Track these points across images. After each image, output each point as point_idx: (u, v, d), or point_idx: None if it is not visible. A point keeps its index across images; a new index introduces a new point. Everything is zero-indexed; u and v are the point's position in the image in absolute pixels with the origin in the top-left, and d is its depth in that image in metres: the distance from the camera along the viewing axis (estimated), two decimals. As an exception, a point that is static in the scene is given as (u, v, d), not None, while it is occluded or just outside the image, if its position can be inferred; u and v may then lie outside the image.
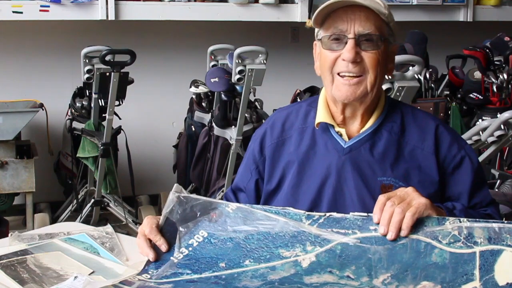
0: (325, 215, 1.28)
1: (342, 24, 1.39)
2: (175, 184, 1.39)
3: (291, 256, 1.25)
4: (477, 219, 1.20)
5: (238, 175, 1.63)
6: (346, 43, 1.39)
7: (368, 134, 1.46)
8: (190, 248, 1.31)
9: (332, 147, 1.47)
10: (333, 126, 1.48)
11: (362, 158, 1.44)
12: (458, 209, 1.39)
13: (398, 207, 1.22)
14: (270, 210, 1.31)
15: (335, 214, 1.27)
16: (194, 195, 1.37)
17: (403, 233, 1.21)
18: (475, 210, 1.48)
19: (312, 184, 1.47)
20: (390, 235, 1.21)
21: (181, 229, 1.33)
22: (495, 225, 1.18)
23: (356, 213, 1.26)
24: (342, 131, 1.47)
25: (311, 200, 1.46)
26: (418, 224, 1.21)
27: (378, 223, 1.23)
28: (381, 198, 1.25)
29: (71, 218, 3.66)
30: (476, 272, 1.14)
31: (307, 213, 1.29)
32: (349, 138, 1.47)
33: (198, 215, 1.34)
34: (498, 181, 2.69)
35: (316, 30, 1.47)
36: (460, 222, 1.20)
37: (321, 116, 1.49)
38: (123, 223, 3.62)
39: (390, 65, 1.50)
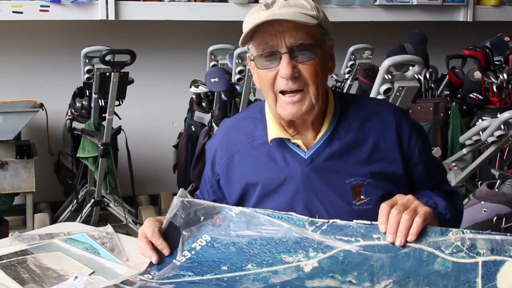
0: (328, 221, 1.28)
1: (271, 39, 1.32)
2: (180, 189, 1.40)
3: (294, 262, 1.25)
4: (480, 231, 1.21)
5: (200, 186, 1.59)
6: (280, 58, 1.32)
7: (326, 139, 1.41)
8: (193, 252, 1.31)
9: (293, 160, 1.41)
10: (288, 139, 1.42)
11: (326, 165, 1.39)
12: (442, 206, 1.37)
13: (405, 213, 1.22)
14: (273, 215, 1.32)
15: (338, 221, 1.28)
16: (198, 200, 1.38)
17: (410, 238, 1.21)
18: (440, 189, 1.47)
19: (281, 201, 1.41)
20: (399, 241, 1.21)
21: (184, 233, 1.34)
22: (498, 237, 1.19)
23: (360, 221, 1.27)
24: (299, 142, 1.41)
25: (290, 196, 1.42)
26: (421, 234, 1.22)
27: (385, 232, 1.23)
28: (385, 206, 1.25)
29: (71, 218, 3.65)
30: (478, 280, 1.14)
31: (310, 219, 1.29)
32: (307, 147, 1.41)
33: (201, 220, 1.34)
34: (498, 181, 2.69)
35: (246, 45, 1.40)
36: (463, 233, 1.21)
37: (274, 131, 1.42)
38: (123, 223, 3.62)
39: (331, 64, 1.42)
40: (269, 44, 1.33)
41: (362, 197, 1.38)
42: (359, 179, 1.39)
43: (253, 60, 1.39)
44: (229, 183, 1.48)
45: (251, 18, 1.35)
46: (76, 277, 1.28)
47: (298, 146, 1.41)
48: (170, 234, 1.34)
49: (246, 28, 1.34)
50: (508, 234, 1.20)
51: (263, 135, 1.44)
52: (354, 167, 1.39)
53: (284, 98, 1.35)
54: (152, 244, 1.33)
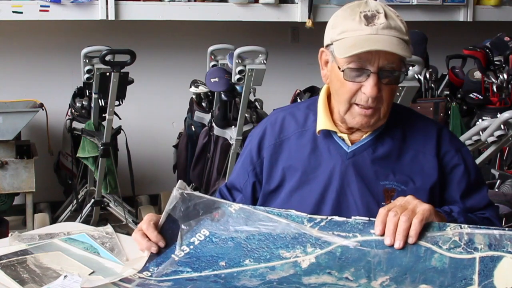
0: (327, 218, 1.28)
1: (366, 55, 1.35)
2: (179, 181, 1.39)
3: (291, 257, 1.25)
4: (478, 226, 1.21)
5: (234, 173, 1.63)
6: (368, 76, 1.36)
7: (371, 140, 1.46)
8: (192, 246, 1.31)
9: (335, 152, 1.47)
10: (335, 132, 1.48)
11: (365, 163, 1.45)
12: (456, 212, 1.39)
13: (403, 215, 1.22)
14: (272, 212, 1.32)
15: (336, 218, 1.28)
16: (197, 193, 1.37)
17: (411, 240, 1.21)
18: (473, 213, 1.48)
19: (315, 187, 1.47)
20: (398, 244, 1.21)
21: (183, 227, 1.33)
22: (496, 232, 1.18)
23: (358, 217, 1.27)
24: (345, 136, 1.47)
25: (314, 204, 1.46)
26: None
27: (381, 235, 1.23)
28: (382, 210, 1.25)
29: (71, 218, 3.65)
30: (475, 277, 1.14)
31: (309, 216, 1.30)
32: (352, 143, 1.47)
33: (200, 214, 1.34)
34: (498, 181, 2.69)
35: (330, 41, 1.41)
36: (461, 228, 1.21)
37: (323, 123, 1.48)
38: (123, 223, 3.62)
39: None
40: (362, 60, 1.36)
41: (392, 201, 1.40)
42: (394, 184, 1.44)
43: (342, 71, 1.38)
44: (272, 167, 1.53)
45: (348, 25, 1.37)
46: (65, 276, 1.28)
47: (343, 140, 1.47)
48: (169, 228, 1.34)
49: (345, 37, 1.36)
50: (507, 229, 1.19)
51: (313, 126, 1.50)
52: (391, 173, 1.44)
53: (358, 109, 1.40)
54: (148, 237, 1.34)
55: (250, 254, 1.27)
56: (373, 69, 1.35)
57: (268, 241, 1.28)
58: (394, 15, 1.39)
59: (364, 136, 1.47)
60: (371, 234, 1.24)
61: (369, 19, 1.36)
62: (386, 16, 1.37)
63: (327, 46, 1.44)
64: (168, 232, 1.34)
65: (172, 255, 1.30)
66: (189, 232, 1.33)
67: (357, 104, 1.40)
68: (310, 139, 1.50)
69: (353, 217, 1.27)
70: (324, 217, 1.29)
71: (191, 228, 1.33)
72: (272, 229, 1.29)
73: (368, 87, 1.36)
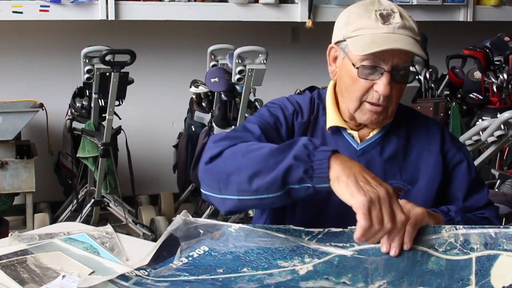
0: (324, 230, 1.30)
1: (381, 54, 1.35)
2: (184, 211, 1.42)
3: (289, 266, 1.25)
4: (473, 226, 1.21)
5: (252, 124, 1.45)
6: (381, 74, 1.36)
7: (379, 138, 1.47)
8: (190, 258, 1.31)
9: (345, 149, 1.46)
10: (345, 129, 1.48)
11: (374, 161, 1.45)
12: (453, 211, 1.38)
13: None
14: (271, 228, 1.33)
15: (333, 229, 1.29)
16: (200, 219, 1.39)
17: (406, 246, 1.21)
18: (472, 213, 1.48)
19: None
20: (394, 251, 1.21)
21: (183, 244, 1.34)
22: (491, 231, 1.18)
23: (354, 227, 1.27)
24: (354, 133, 1.47)
25: (323, 199, 1.44)
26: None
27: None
28: None
29: (71, 218, 3.65)
30: (472, 277, 1.14)
31: (306, 229, 1.31)
32: (361, 140, 1.47)
33: (201, 234, 1.36)
34: (498, 181, 2.69)
35: (342, 37, 1.41)
36: (456, 229, 1.21)
37: (333, 119, 1.48)
38: (123, 223, 3.62)
39: None
40: (376, 58, 1.36)
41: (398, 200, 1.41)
42: (401, 183, 1.44)
43: (357, 68, 1.38)
44: None
45: (364, 23, 1.36)
46: (64, 276, 1.28)
47: (352, 137, 1.47)
48: (170, 244, 1.35)
49: (361, 35, 1.36)
50: (501, 227, 1.19)
51: (323, 119, 1.50)
52: (397, 171, 1.45)
53: (368, 106, 1.41)
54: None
55: (248, 264, 1.27)
56: (387, 67, 1.36)
57: (266, 254, 1.29)
58: (407, 15, 1.40)
59: (371, 134, 1.47)
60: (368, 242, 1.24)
61: (384, 17, 1.37)
62: (401, 16, 1.38)
63: (338, 42, 1.43)
64: (169, 247, 1.34)
65: (170, 264, 1.30)
66: (189, 248, 1.34)
67: (367, 102, 1.40)
68: (320, 133, 1.49)
69: (349, 227, 1.27)
70: (321, 229, 1.30)
71: (191, 245, 1.34)
72: (270, 243, 1.30)
73: (381, 85, 1.36)
